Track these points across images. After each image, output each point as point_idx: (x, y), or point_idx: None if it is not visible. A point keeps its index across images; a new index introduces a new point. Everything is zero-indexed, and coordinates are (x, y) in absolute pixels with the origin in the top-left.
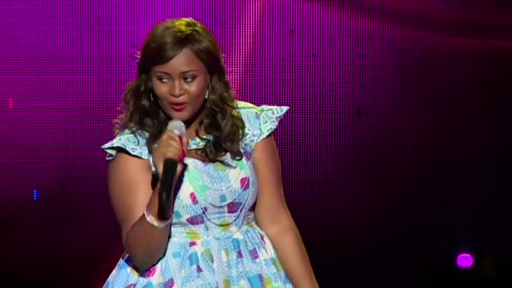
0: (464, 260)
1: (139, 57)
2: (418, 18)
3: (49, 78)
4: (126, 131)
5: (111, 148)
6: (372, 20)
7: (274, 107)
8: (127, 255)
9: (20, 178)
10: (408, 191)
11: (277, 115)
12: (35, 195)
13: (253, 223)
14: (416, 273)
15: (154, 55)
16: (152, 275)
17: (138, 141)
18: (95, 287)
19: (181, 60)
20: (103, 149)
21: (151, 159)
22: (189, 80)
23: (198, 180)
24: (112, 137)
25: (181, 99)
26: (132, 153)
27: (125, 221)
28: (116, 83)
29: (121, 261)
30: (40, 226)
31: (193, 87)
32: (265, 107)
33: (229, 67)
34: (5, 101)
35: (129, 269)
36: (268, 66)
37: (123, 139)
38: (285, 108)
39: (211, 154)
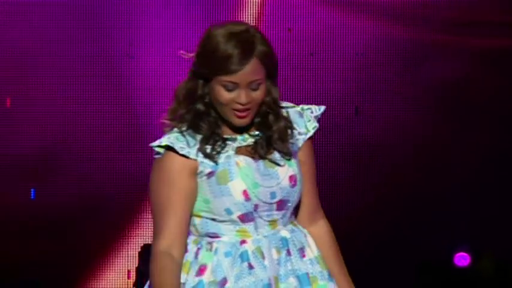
0: (462, 259)
1: (195, 60)
2: (417, 17)
3: (48, 78)
4: (175, 130)
5: (160, 146)
6: (370, 18)
7: (312, 106)
8: None
9: (19, 177)
10: (407, 190)
11: (316, 114)
12: (32, 195)
13: (295, 222)
14: (416, 272)
15: (220, 66)
16: (203, 273)
17: (187, 141)
18: (94, 287)
19: (249, 71)
20: (151, 146)
21: (199, 159)
22: (255, 87)
23: (250, 177)
24: (114, 137)
25: (247, 106)
26: (180, 152)
27: (158, 226)
28: (115, 83)
29: None
30: (39, 226)
31: (258, 93)
32: (304, 106)
33: None
34: (3, 101)
35: None
36: None
37: (172, 138)
38: (322, 108)
39: (261, 150)
